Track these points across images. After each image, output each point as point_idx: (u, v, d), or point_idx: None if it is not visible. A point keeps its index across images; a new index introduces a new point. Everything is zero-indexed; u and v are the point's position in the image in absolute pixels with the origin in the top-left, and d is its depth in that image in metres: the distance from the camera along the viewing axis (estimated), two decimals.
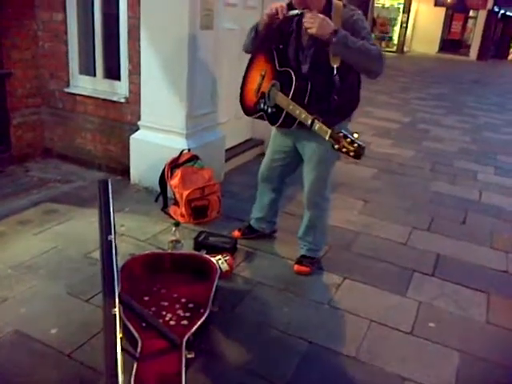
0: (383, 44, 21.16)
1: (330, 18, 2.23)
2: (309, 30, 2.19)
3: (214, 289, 2.24)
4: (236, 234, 3.06)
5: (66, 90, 3.97)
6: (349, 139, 2.06)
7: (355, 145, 2.04)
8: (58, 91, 4.02)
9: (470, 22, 23.33)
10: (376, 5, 18.26)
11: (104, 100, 3.82)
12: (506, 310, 2.61)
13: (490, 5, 21.03)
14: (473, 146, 6.15)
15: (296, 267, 2.75)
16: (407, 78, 13.09)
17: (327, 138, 2.15)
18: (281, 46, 2.48)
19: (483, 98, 10.52)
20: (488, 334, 2.40)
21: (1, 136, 3.82)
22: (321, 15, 2.18)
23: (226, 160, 4.16)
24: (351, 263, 2.91)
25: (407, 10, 21.10)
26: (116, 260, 1.83)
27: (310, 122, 2.26)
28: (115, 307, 1.65)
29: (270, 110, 2.52)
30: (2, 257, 2.64)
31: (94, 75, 3.90)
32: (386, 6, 22.84)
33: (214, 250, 2.78)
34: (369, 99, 8.65)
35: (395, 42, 21.80)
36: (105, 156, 3.95)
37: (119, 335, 1.61)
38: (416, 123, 7.19)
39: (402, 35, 21.35)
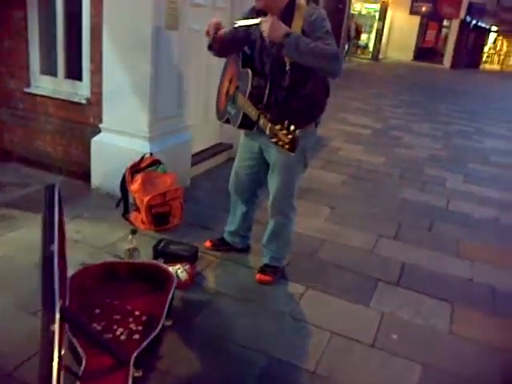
0: (358, 51, 21.37)
1: (292, 18, 2.21)
2: (263, 34, 2.19)
3: (168, 301, 2.15)
4: (207, 244, 2.95)
5: (27, 90, 3.82)
6: (284, 131, 1.99)
7: (289, 136, 1.97)
8: (19, 91, 3.86)
9: (444, 31, 23.77)
10: (352, 12, 18.38)
11: (65, 101, 3.68)
12: (469, 320, 2.58)
13: (462, 15, 21.46)
14: (443, 153, 6.19)
15: (258, 276, 2.67)
16: (381, 84, 13.22)
17: (267, 132, 2.10)
18: (247, 49, 2.48)
19: (456, 105, 10.67)
20: (451, 344, 2.36)
21: None
22: (271, 18, 2.17)
23: (193, 164, 4.06)
24: (315, 272, 2.85)
25: (383, 17, 21.34)
26: (58, 272, 1.73)
27: (256, 117, 2.23)
28: (54, 323, 1.55)
29: (232, 111, 2.49)
30: None
31: (56, 75, 3.75)
32: (363, 13, 23.10)
33: (174, 258, 2.67)
34: (342, 105, 8.68)
35: (370, 49, 22.03)
36: (65, 159, 3.80)
37: (57, 353, 1.51)
38: (388, 130, 7.22)
39: (378, 42, 21.58)
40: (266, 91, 2.28)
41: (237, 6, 4.14)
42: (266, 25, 2.16)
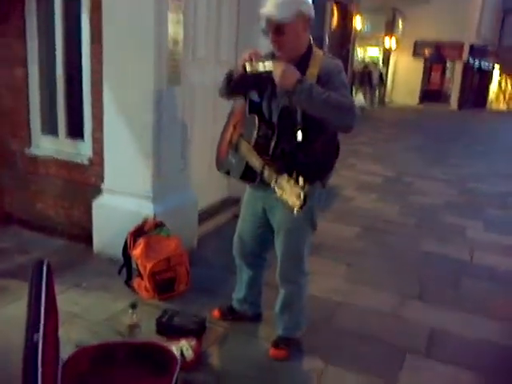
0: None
1: (308, 66, 2.09)
2: (275, 80, 2.04)
3: None
4: (215, 314, 2.72)
5: (28, 150, 3.72)
6: (292, 184, 1.79)
7: (297, 190, 1.76)
8: (20, 152, 3.75)
9: (449, 72, 24.00)
10: (355, 57, 18.64)
11: (67, 161, 3.56)
12: None
13: (465, 56, 21.71)
14: (459, 198, 5.97)
15: (272, 351, 2.42)
16: (390, 129, 13.17)
17: (272, 185, 1.91)
18: (256, 94, 2.31)
19: (467, 147, 10.53)
20: None
21: None
22: (284, 63, 2.03)
23: (201, 222, 3.87)
24: (334, 343, 2.59)
25: (386, 62, 21.61)
26: (42, 365, 1.51)
27: (260, 168, 2.04)
28: None
29: (234, 161, 2.28)
30: None
31: (57, 135, 3.65)
32: (366, 60, 23.45)
33: (179, 332, 2.44)
34: (352, 151, 8.56)
35: (376, 93, 22.21)
36: (67, 222, 3.64)
37: None
38: (400, 176, 7.03)
39: (383, 87, 21.76)
40: (273, 142, 2.10)
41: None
42: (278, 70, 2.01)
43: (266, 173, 2.00)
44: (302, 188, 1.75)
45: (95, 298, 2.86)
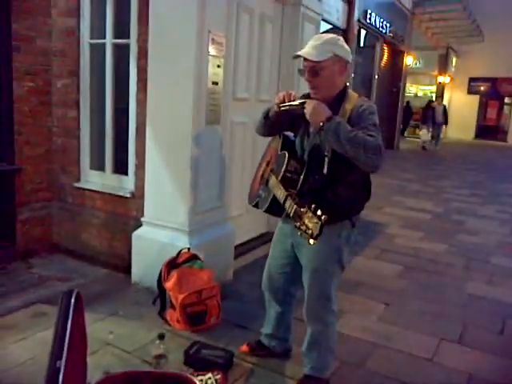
0: (417, 131, 21.17)
1: (341, 106, 2.14)
2: (306, 115, 2.11)
3: None
4: (244, 349, 2.71)
5: (77, 184, 3.94)
6: (310, 214, 1.80)
7: (314, 220, 1.78)
8: (69, 186, 3.99)
9: (506, 108, 23.24)
10: (407, 94, 18.46)
11: (111, 195, 3.74)
12: None
13: None
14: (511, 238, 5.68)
15: None
16: (442, 165, 12.82)
17: (291, 215, 1.93)
18: (291, 134, 2.40)
19: None
20: None
21: (5, 231, 3.74)
22: (316, 101, 2.11)
23: (238, 255, 3.92)
24: None
25: (440, 98, 21.26)
26: None
27: (283, 199, 2.06)
28: None
29: (263, 195, 2.33)
30: None
31: (104, 170, 3.86)
32: (419, 95, 23.17)
33: (206, 365, 2.46)
34: (399, 188, 8.40)
35: (441, 130, 21.79)
36: (109, 252, 3.80)
37: None
38: (450, 214, 6.81)
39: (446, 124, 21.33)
40: (301, 178, 2.13)
41: None
42: (309, 107, 2.09)
43: (288, 204, 2.03)
44: (319, 218, 1.77)
45: (129, 327, 2.93)
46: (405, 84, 15.54)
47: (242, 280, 3.71)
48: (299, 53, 2.16)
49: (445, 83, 20.88)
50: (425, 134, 16.51)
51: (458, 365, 2.76)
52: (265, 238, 4.49)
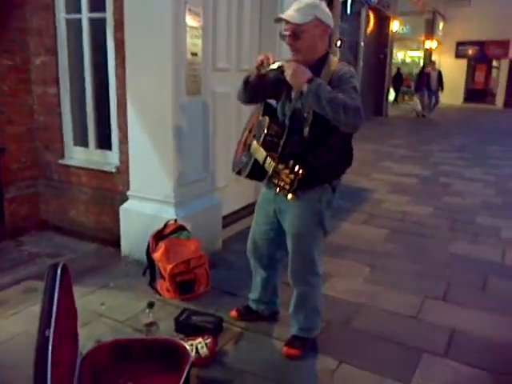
0: (406, 97, 21.13)
1: (322, 70, 2.16)
2: (286, 78, 2.12)
3: (181, 382, 1.98)
4: (233, 314, 2.78)
5: (61, 161, 3.93)
6: (287, 171, 1.85)
7: (291, 175, 1.83)
8: (54, 163, 3.98)
9: (494, 71, 23.18)
10: (395, 61, 18.32)
11: (96, 170, 3.74)
12: None
13: (511, 54, 20.91)
14: (496, 199, 5.76)
15: (285, 350, 2.45)
16: (430, 130, 12.85)
17: (269, 172, 1.98)
18: (273, 101, 2.41)
19: (509, 147, 10.12)
20: None
21: None
22: (296, 63, 2.12)
23: (226, 226, 3.96)
24: (350, 343, 2.59)
25: (428, 63, 21.16)
26: (52, 358, 1.62)
27: (263, 159, 2.09)
28: None
29: (245, 160, 2.35)
30: None
31: (87, 146, 3.85)
32: (407, 61, 23.03)
33: (196, 330, 2.52)
34: (387, 153, 8.45)
35: (438, 96, 21.77)
36: (97, 227, 3.82)
37: None
38: (437, 177, 6.88)
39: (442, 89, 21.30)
40: (282, 142, 2.15)
41: None
42: (289, 69, 2.11)
43: (267, 163, 2.05)
44: (296, 174, 1.81)
45: (121, 298, 2.98)
46: (392, 50, 15.42)
47: (231, 249, 3.77)
48: (281, 15, 2.18)
49: (432, 48, 20.73)
50: (416, 102, 15.57)
51: (442, 321, 2.84)
52: (252, 208, 4.49)
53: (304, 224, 2.28)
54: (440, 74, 15.36)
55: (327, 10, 2.21)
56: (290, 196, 1.84)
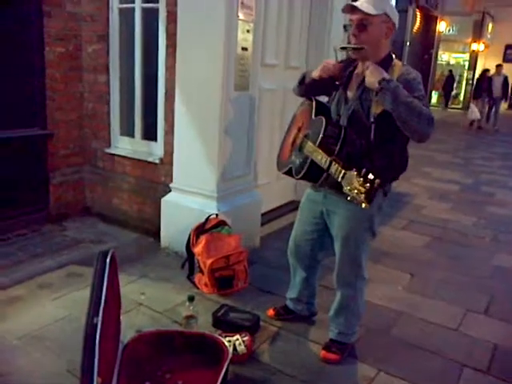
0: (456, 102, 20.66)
1: (387, 71, 2.06)
2: (365, 80, 2.06)
3: (220, 378, 1.99)
4: (270, 313, 2.78)
5: (107, 150, 4.00)
6: (361, 179, 1.76)
7: (367, 185, 1.74)
8: (100, 151, 4.05)
9: None
10: (439, 62, 17.86)
11: (141, 160, 3.79)
12: None
13: None
14: None
15: (323, 354, 2.42)
16: (472, 135, 12.49)
17: (339, 179, 1.88)
18: (326, 98, 2.40)
19: None
20: None
21: (39, 195, 3.85)
22: (371, 62, 2.07)
23: (265, 223, 3.95)
24: (389, 352, 2.54)
25: (473, 67, 20.56)
26: (99, 346, 1.65)
27: (327, 164, 1.99)
28: None
29: (297, 161, 2.27)
30: (12, 326, 2.53)
31: (133, 136, 3.90)
32: (451, 63, 22.44)
33: (233, 327, 2.53)
34: (428, 158, 8.26)
35: (461, 98, 21.21)
36: (139, 217, 3.88)
37: None
38: (479, 185, 6.68)
39: (468, 92, 20.72)
40: (339, 144, 2.06)
41: (312, 65, 4.09)
42: (369, 66, 2.04)
43: (334, 168, 1.96)
44: (372, 182, 1.74)
45: (159, 289, 3.02)
46: (437, 51, 15.05)
47: (269, 247, 3.76)
48: (352, 3, 2.09)
49: (479, 51, 20.10)
50: (474, 111, 13.45)
51: (484, 335, 2.76)
52: (291, 206, 4.50)
53: (354, 227, 2.23)
54: (506, 80, 13.59)
55: (393, 5, 2.15)
56: (364, 205, 1.77)
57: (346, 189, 1.82)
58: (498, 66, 14.00)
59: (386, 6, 2.09)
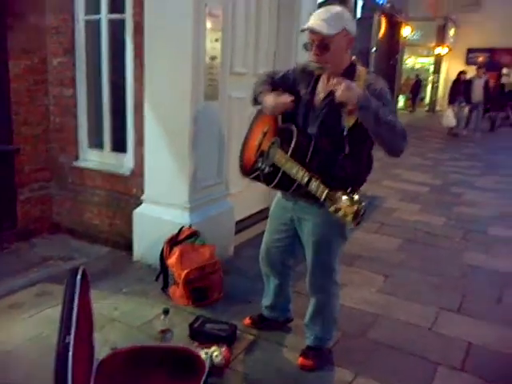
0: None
1: (352, 80, 2.03)
2: (336, 95, 1.96)
3: None
4: (246, 322, 2.77)
5: (75, 163, 3.93)
6: (348, 201, 1.77)
7: (354, 207, 1.76)
8: (68, 165, 3.97)
9: (504, 78, 23.05)
10: (405, 66, 18.26)
11: (110, 173, 3.74)
12: None
13: None
14: (510, 209, 5.71)
15: (300, 361, 2.42)
16: (439, 137, 12.78)
17: (322, 198, 1.89)
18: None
19: None
20: None
21: (7, 212, 3.75)
22: (342, 79, 1.99)
23: (239, 231, 3.94)
24: (366, 355, 2.56)
25: (437, 70, 21.12)
26: (72, 365, 1.61)
27: (306, 180, 1.99)
28: None
29: (267, 169, 2.24)
30: None
31: (102, 148, 3.85)
32: (417, 67, 22.97)
33: (210, 338, 2.51)
34: (398, 161, 8.36)
35: (427, 101, 21.75)
36: (110, 230, 3.81)
37: None
38: (448, 186, 6.83)
39: (434, 95, 21.26)
40: (309, 154, 2.07)
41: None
42: (341, 85, 1.93)
43: (314, 185, 1.95)
44: (359, 204, 1.75)
45: (134, 303, 2.97)
46: (402, 56, 15.38)
47: (243, 255, 3.75)
48: (309, 25, 2.03)
49: (441, 55, 20.67)
50: (450, 116, 12.26)
51: (458, 333, 2.81)
52: (264, 214, 4.49)
53: (325, 233, 2.24)
54: (487, 84, 12.29)
55: (352, 18, 2.16)
56: (353, 225, 1.80)
57: (331, 209, 1.83)
58: (479, 68, 12.78)
59: (344, 21, 2.04)
